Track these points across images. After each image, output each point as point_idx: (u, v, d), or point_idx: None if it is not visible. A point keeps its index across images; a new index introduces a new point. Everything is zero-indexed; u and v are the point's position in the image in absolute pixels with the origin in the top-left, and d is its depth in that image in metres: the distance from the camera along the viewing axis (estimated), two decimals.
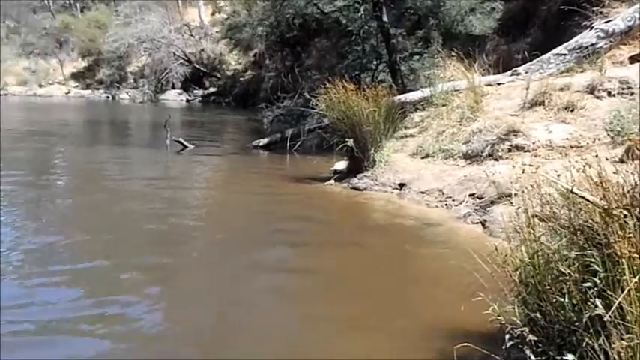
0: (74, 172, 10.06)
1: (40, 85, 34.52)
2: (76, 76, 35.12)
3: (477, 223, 5.95)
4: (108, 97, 31.37)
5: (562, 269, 2.79)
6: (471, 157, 7.41)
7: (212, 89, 29.72)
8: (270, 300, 4.29)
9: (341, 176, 8.32)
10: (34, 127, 16.43)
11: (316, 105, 8.81)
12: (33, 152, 11.83)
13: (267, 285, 4.60)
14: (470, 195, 6.54)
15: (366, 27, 13.03)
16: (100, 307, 4.07)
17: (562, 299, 2.77)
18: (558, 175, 3.07)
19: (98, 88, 32.80)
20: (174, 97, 29.26)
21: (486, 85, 9.24)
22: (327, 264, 5.02)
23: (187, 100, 29.09)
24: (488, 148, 7.26)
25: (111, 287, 4.45)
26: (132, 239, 5.76)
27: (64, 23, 37.56)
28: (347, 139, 8.01)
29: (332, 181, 8.26)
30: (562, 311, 2.79)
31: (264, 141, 11.85)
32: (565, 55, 9.13)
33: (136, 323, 3.87)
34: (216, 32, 30.27)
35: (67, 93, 33.52)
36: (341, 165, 8.49)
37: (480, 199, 6.36)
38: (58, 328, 3.76)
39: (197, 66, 29.42)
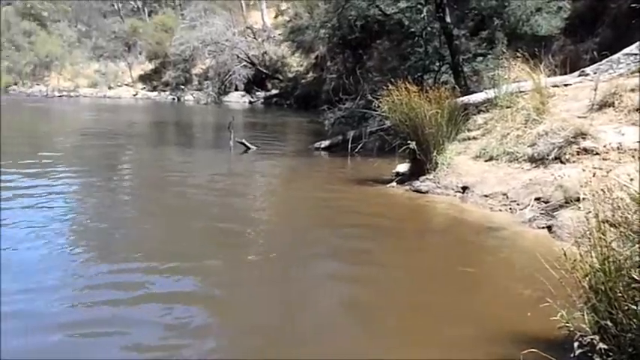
0: (143, 170, 10.38)
1: (110, 87, 35.75)
2: (143, 78, 36.20)
3: (543, 227, 5.82)
4: (173, 98, 32.19)
5: (635, 276, 2.72)
6: (537, 160, 7.25)
7: (274, 91, 30.09)
8: (329, 298, 4.32)
9: (403, 179, 8.29)
10: (104, 128, 17.04)
11: (378, 107, 8.79)
12: (104, 150, 12.26)
13: (326, 283, 4.64)
14: (535, 199, 6.40)
15: (429, 28, 12.93)
16: (168, 290, 4.32)
17: (634, 307, 2.69)
18: (631, 179, 2.99)
19: (164, 90, 33.70)
20: (237, 99, 29.76)
21: (552, 86, 9.04)
22: (388, 266, 5.01)
23: (250, 102, 29.55)
24: (555, 150, 7.08)
25: (181, 274, 4.63)
26: (199, 232, 5.93)
27: (132, 27, 38.79)
28: (409, 142, 7.97)
29: (393, 184, 8.24)
30: (634, 319, 2.71)
31: (325, 143, 11.92)
32: (636, 54, 8.83)
33: (202, 309, 4.02)
34: (279, 35, 30.62)
35: (134, 95, 34.59)
36: (403, 167, 8.47)
37: (546, 203, 6.22)
38: (129, 308, 3.99)
39: (260, 68, 29.85)
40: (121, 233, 5.87)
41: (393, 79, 8.54)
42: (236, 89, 29.89)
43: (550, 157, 7.08)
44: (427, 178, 7.95)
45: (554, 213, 5.88)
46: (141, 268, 4.73)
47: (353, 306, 4.16)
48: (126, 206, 7.30)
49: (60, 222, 6.06)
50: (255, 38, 31.80)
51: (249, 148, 12.06)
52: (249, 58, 29.55)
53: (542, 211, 6.09)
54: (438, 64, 12.90)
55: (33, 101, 29.48)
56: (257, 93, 30.11)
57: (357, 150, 11.10)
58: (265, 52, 30.57)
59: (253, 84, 29.92)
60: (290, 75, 29.91)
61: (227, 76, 28.91)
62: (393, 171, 8.53)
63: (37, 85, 36.59)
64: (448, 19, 11.96)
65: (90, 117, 22.48)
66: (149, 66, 36.33)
